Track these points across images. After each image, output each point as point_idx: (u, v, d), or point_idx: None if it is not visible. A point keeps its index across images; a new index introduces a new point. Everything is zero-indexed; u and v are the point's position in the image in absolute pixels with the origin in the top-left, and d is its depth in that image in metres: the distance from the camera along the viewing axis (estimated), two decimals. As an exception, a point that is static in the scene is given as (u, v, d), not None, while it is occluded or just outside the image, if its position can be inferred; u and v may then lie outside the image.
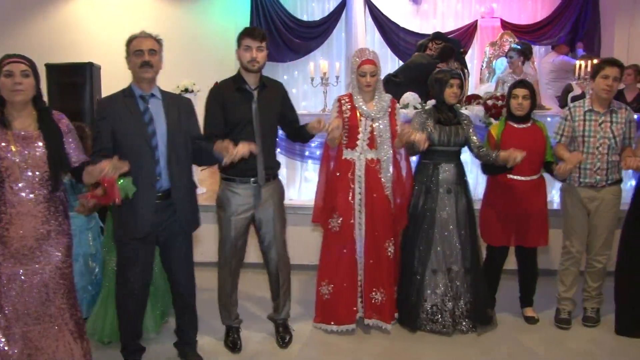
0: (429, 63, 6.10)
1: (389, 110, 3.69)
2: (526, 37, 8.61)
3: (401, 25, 8.64)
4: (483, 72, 7.71)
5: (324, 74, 5.91)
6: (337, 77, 6.19)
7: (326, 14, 8.77)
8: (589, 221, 3.76)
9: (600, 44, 8.63)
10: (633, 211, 3.76)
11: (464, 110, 4.89)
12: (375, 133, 3.64)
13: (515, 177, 3.72)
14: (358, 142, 3.65)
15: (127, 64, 3.06)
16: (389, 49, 8.63)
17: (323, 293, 3.70)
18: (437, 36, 7.23)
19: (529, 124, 3.79)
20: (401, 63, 8.38)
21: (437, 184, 3.66)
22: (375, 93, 3.67)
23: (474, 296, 3.69)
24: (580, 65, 6.16)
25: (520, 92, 3.69)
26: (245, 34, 3.34)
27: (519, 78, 6.17)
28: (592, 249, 3.81)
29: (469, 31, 8.59)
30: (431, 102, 5.85)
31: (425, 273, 3.64)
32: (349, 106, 3.66)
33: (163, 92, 3.13)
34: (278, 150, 4.07)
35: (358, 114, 3.63)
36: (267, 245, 3.51)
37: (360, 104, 3.64)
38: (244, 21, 8.71)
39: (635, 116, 4.69)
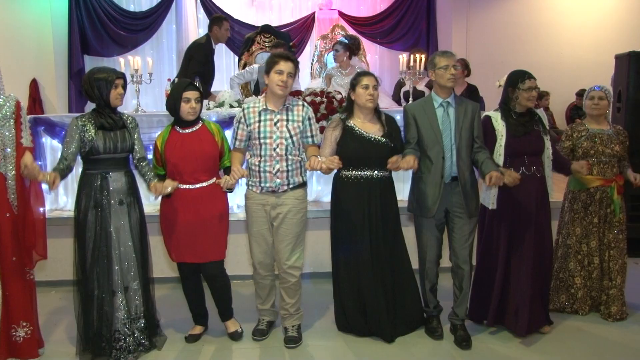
0: (206, 42, 6.40)
1: (14, 116, 3.42)
2: (364, 29, 9.19)
3: (236, 17, 8.85)
4: (314, 66, 8.09)
5: (136, 70, 5.93)
6: (151, 75, 6.20)
7: (154, 4, 8.80)
8: (274, 230, 3.69)
9: (437, 39, 9.39)
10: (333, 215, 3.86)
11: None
12: None
13: (181, 185, 3.57)
14: None
15: None
16: (223, 44, 8.84)
17: None
18: (266, 29, 7.49)
19: (197, 127, 3.65)
20: (236, 58, 8.67)
21: (108, 196, 3.50)
22: None
23: (147, 311, 3.67)
24: (402, 59, 6.64)
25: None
26: None
27: (346, 73, 6.59)
28: (282, 260, 3.71)
29: (307, 23, 8.98)
30: (250, 99, 6.16)
31: (106, 295, 3.51)
32: None
33: None
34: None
35: None
36: None
37: None
38: (62, 10, 8.56)
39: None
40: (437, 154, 3.65)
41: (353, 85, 3.71)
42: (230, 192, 3.69)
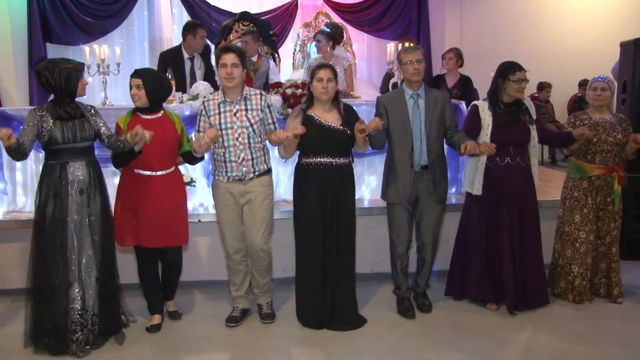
0: (174, 51, 6.27)
1: None
2: (350, 17, 9.05)
3: (213, 3, 8.70)
4: (296, 56, 7.93)
5: (102, 60, 5.77)
6: (119, 65, 6.04)
7: (125, -12, 8.51)
8: (244, 216, 4.01)
9: (429, 27, 9.28)
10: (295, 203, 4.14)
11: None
12: None
13: (142, 171, 3.82)
14: None
15: None
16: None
17: None
18: (244, 16, 7.31)
19: (159, 115, 3.90)
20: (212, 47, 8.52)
21: (67, 186, 3.66)
22: None
23: (101, 306, 3.77)
24: (390, 49, 6.51)
25: None
26: None
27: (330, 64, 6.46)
28: (254, 244, 4.00)
29: (289, 10, 8.82)
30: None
31: (62, 286, 3.66)
32: None
33: None
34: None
35: None
36: None
37: None
38: (21, -5, 8.24)
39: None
40: (407, 143, 4.05)
41: (311, 78, 3.99)
42: (199, 156, 3.98)
